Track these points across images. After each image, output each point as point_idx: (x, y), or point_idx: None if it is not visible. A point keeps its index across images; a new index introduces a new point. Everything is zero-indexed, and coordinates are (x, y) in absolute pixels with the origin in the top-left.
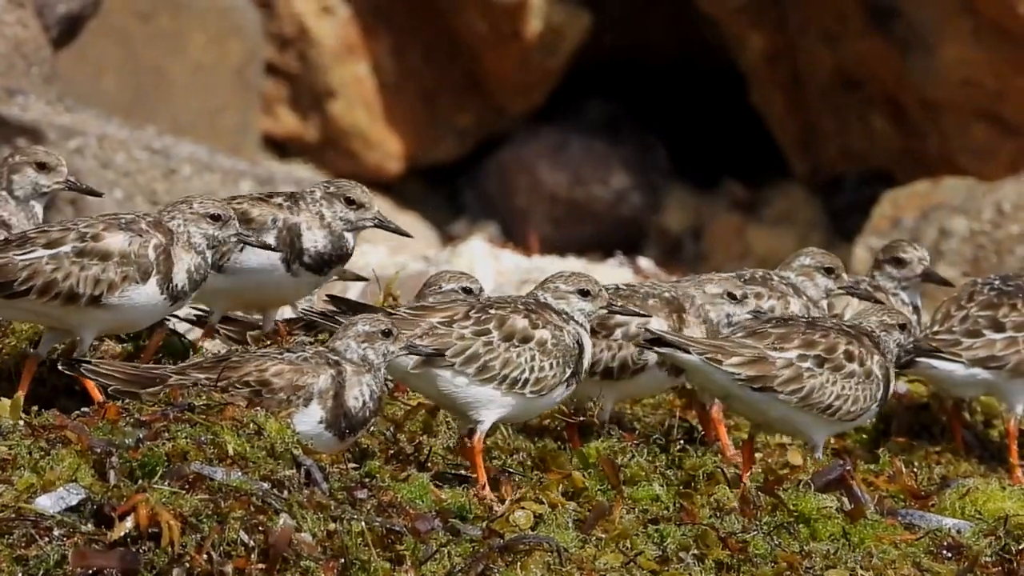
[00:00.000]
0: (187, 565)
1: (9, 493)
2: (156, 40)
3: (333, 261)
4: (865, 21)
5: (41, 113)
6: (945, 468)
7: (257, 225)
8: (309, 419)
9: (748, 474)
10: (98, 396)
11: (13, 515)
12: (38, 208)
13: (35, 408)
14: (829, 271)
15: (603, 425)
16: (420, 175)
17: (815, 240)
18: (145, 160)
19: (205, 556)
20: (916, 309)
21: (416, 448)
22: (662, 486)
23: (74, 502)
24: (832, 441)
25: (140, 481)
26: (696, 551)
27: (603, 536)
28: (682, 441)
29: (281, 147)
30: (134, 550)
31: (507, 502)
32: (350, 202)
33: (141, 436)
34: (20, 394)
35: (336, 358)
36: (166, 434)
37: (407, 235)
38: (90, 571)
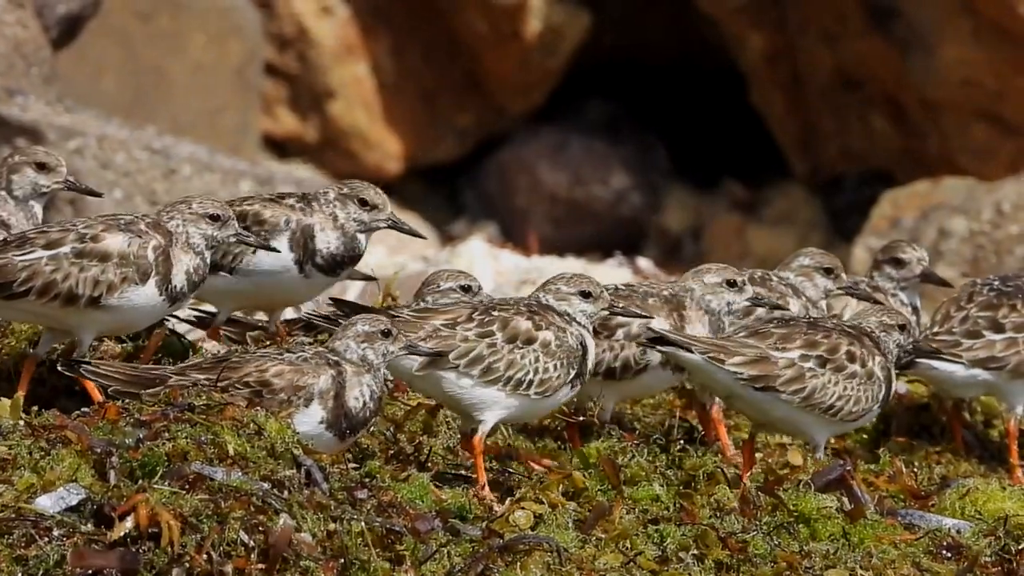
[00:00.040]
0: (187, 565)
1: (9, 493)
2: (156, 40)
3: (345, 262)
4: (865, 21)
5: (41, 113)
6: (945, 468)
7: (270, 226)
8: (310, 419)
9: (748, 474)
10: (98, 396)
11: (13, 515)
12: (37, 208)
13: (35, 408)
14: (828, 271)
15: (604, 425)
16: (420, 175)
17: (815, 240)
18: (145, 160)
19: (205, 556)
20: (915, 310)
21: (416, 448)
22: (662, 486)
23: (74, 502)
24: (832, 441)
25: (140, 481)
26: (696, 551)
27: (603, 536)
28: (682, 441)
29: (281, 147)
30: (134, 550)
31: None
32: (364, 203)
33: (141, 436)
34: (20, 394)
35: (336, 358)
36: (166, 434)
37: (420, 236)
38: (90, 571)
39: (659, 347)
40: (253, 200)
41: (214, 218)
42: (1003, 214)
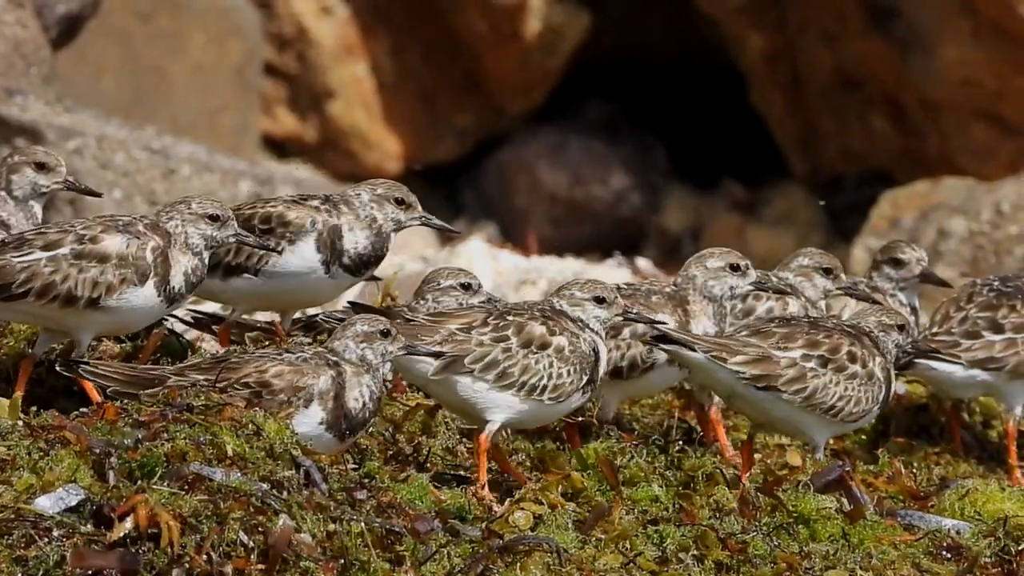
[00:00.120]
0: (186, 566)
1: (8, 494)
2: (155, 40)
3: (371, 262)
4: (865, 21)
5: (40, 113)
6: (944, 469)
7: (295, 228)
8: (310, 420)
9: (747, 475)
10: (96, 397)
11: (12, 516)
12: (37, 208)
13: (34, 409)
14: (827, 272)
15: (606, 424)
16: (419, 175)
17: (814, 240)
18: (144, 160)
19: (204, 557)
20: (914, 310)
21: (415, 449)
22: (661, 487)
23: (73, 503)
24: (831, 442)
25: (139, 482)
26: (695, 552)
27: (602, 537)
28: (681, 442)
29: (280, 147)
30: (133, 551)
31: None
32: (400, 202)
33: (140, 436)
34: (18, 394)
35: (335, 359)
36: (165, 435)
37: (453, 231)
38: (89, 572)
39: (662, 346)
40: (276, 202)
41: (213, 218)
42: (1002, 214)
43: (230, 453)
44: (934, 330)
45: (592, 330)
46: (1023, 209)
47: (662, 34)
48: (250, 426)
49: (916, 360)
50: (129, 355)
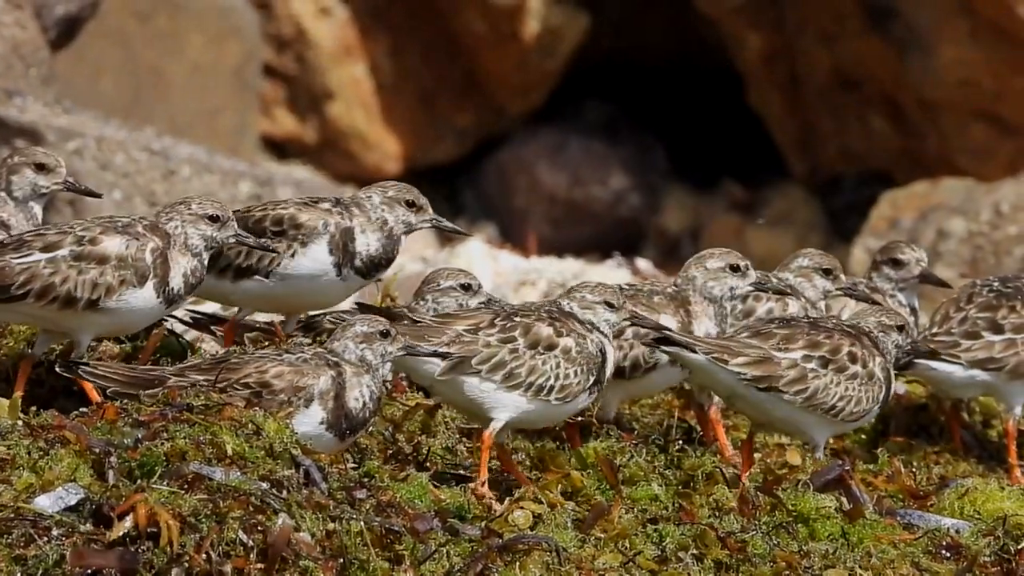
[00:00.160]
0: (186, 565)
1: (8, 493)
2: (154, 41)
3: (382, 265)
4: (863, 21)
5: (39, 114)
6: (944, 468)
7: (307, 230)
8: (310, 420)
9: (747, 474)
10: (96, 397)
11: (12, 515)
12: (37, 209)
13: (34, 408)
14: (827, 272)
15: (603, 425)
16: (419, 176)
17: (813, 241)
18: (144, 161)
19: (204, 556)
20: (913, 310)
21: (415, 448)
22: (661, 486)
23: (73, 502)
24: (831, 441)
25: (139, 481)
26: (695, 551)
27: (602, 536)
28: (681, 441)
29: (280, 148)
30: (133, 550)
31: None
32: (411, 205)
33: (140, 436)
34: (18, 394)
35: (335, 359)
36: (165, 434)
37: (465, 234)
38: (89, 571)
39: (663, 347)
40: (287, 204)
41: (213, 219)
42: (1002, 215)
43: (230, 452)
44: (934, 330)
45: (600, 332)
46: (1022, 210)
47: (661, 35)
48: (250, 425)
49: (916, 360)
50: (129, 355)
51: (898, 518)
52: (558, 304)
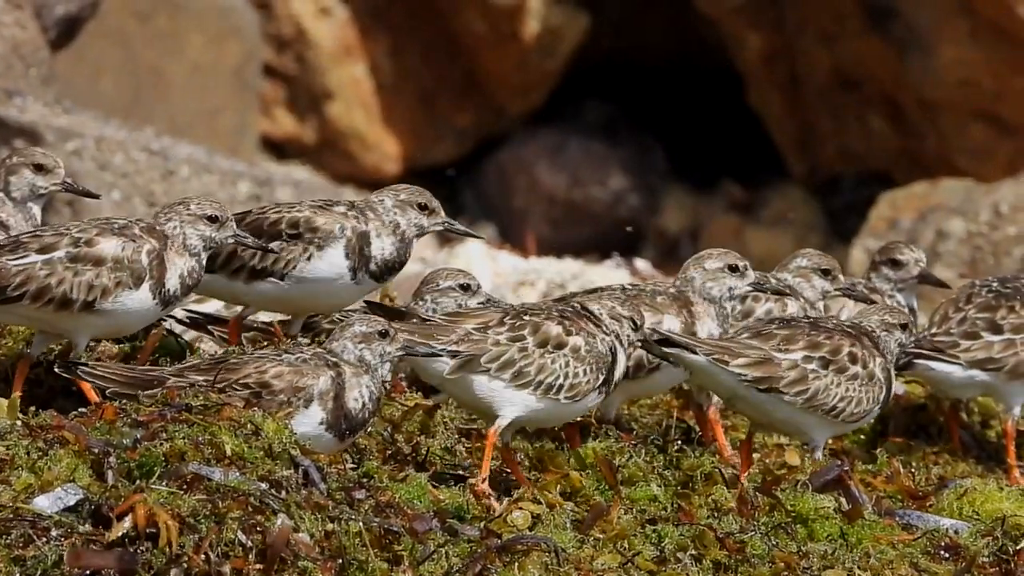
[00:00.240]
0: (185, 565)
1: (7, 493)
2: (154, 41)
3: (395, 268)
4: (863, 21)
5: (39, 115)
6: (943, 468)
7: (323, 233)
8: (310, 420)
9: (746, 474)
10: (94, 397)
11: (11, 515)
12: (36, 210)
13: (32, 409)
14: (826, 273)
15: (602, 425)
16: (418, 176)
17: (812, 241)
18: (143, 161)
19: (203, 556)
20: (912, 311)
21: (414, 448)
22: (660, 486)
23: (72, 502)
24: (830, 441)
25: (138, 481)
26: (694, 551)
27: (601, 536)
28: (679, 442)
29: (279, 148)
30: (132, 550)
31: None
32: (423, 208)
33: (139, 436)
34: (16, 395)
35: (335, 359)
36: (164, 434)
37: (478, 237)
38: (88, 571)
39: (664, 349)
40: (302, 207)
41: (212, 219)
42: (1001, 215)
43: (228, 453)
44: (933, 331)
45: (616, 337)
46: (1021, 210)
47: (660, 35)
48: (248, 426)
49: (915, 360)
50: (128, 355)
51: (897, 518)
52: (584, 304)
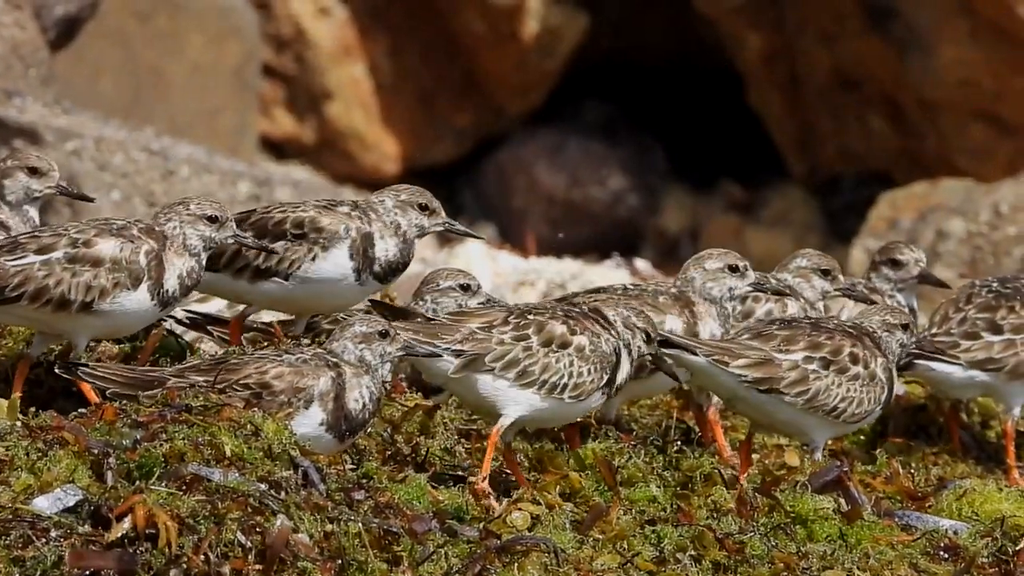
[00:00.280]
0: (184, 566)
1: (6, 494)
2: (154, 41)
3: (399, 269)
4: (863, 21)
5: (38, 115)
6: (942, 469)
7: (328, 234)
8: (310, 421)
9: (745, 475)
10: (94, 397)
11: (10, 516)
12: (33, 212)
13: (32, 409)
14: (825, 273)
15: (601, 426)
16: (417, 176)
17: (812, 241)
18: (143, 161)
19: (202, 557)
20: (912, 311)
21: (413, 449)
22: (659, 487)
23: (71, 503)
24: (829, 442)
25: (137, 482)
26: (693, 552)
27: (600, 537)
28: (679, 442)
29: (279, 148)
30: (131, 551)
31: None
32: (424, 208)
33: (138, 437)
34: (16, 395)
35: (335, 360)
36: (163, 435)
37: (478, 237)
38: (87, 572)
39: (664, 350)
40: (306, 207)
41: (212, 219)
42: (1001, 215)
43: (228, 454)
44: (933, 331)
45: (624, 342)
46: (1021, 210)
47: (660, 35)
48: (248, 426)
49: (915, 360)
50: (128, 356)
51: (896, 519)
52: (598, 308)
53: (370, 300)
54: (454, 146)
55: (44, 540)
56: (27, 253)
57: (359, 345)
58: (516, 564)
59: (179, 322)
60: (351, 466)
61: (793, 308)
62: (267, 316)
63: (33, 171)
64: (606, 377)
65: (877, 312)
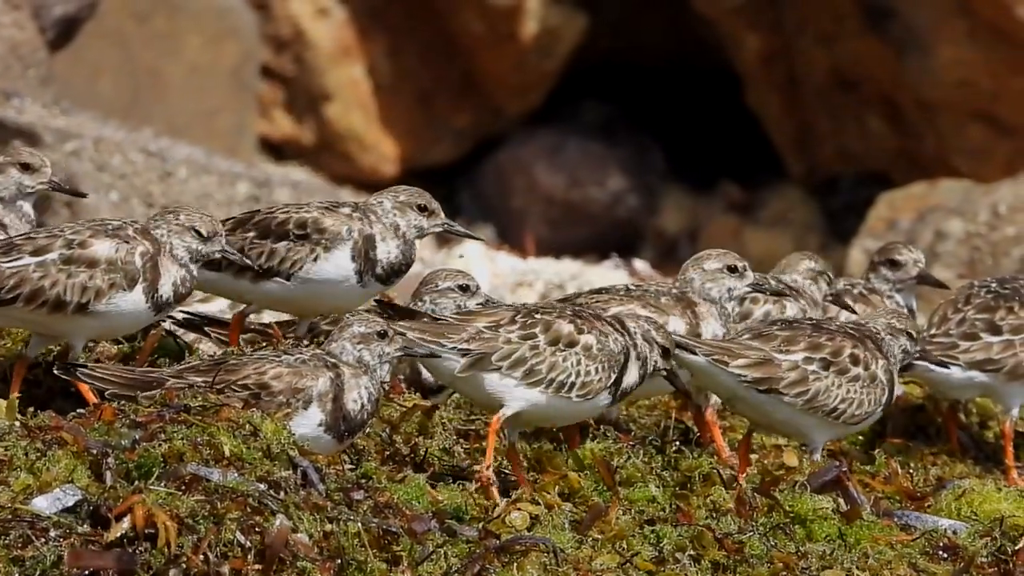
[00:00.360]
0: (183, 566)
1: (5, 494)
2: (152, 42)
3: (401, 271)
4: (861, 22)
5: (37, 116)
6: (941, 469)
7: (331, 235)
8: (309, 422)
9: (744, 475)
10: (92, 398)
11: (10, 516)
12: (27, 208)
13: (31, 409)
14: (823, 274)
15: (608, 425)
16: (416, 177)
17: (811, 242)
18: (141, 162)
19: (201, 557)
20: (911, 312)
21: (412, 449)
22: (658, 487)
23: (70, 503)
24: (828, 442)
25: (136, 482)
26: (692, 552)
27: (599, 537)
28: (678, 442)
29: (277, 149)
30: (130, 551)
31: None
32: (423, 209)
33: (137, 437)
34: (15, 395)
35: (333, 360)
36: (162, 435)
37: (478, 239)
38: (86, 572)
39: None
40: (310, 207)
41: (199, 233)
42: (999, 216)
43: (227, 453)
44: (932, 332)
45: (633, 343)
46: (1020, 211)
47: (659, 35)
48: (247, 427)
49: (915, 361)
50: (127, 357)
51: (895, 519)
52: (619, 319)
53: (375, 300)
54: (453, 147)
55: (43, 540)
56: (22, 255)
57: (357, 346)
58: (515, 564)
59: (176, 322)
60: (350, 466)
61: (792, 309)
62: (268, 317)
63: (25, 167)
64: (613, 376)
65: (883, 315)
